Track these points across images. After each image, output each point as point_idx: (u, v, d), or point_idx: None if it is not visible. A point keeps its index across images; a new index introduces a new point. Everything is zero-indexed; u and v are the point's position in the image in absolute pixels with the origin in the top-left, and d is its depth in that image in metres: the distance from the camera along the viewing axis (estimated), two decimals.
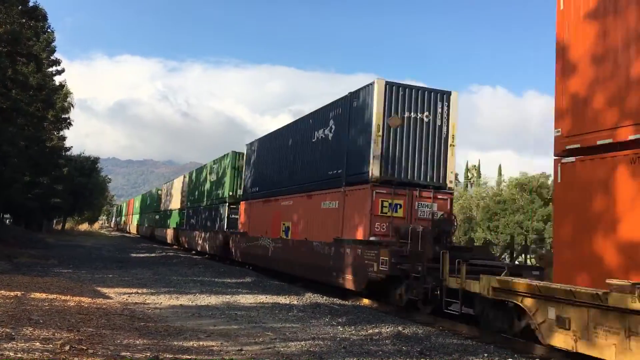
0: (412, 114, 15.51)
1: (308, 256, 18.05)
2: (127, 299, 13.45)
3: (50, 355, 6.90)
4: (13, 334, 7.99)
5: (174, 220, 45.43)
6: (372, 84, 15.60)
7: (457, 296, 11.47)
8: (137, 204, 76.88)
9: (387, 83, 15.37)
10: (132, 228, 79.22)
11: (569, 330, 8.38)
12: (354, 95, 16.67)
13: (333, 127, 17.86)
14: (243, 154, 28.67)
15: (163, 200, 53.29)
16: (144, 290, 15.37)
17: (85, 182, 57.46)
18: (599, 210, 8.37)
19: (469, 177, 70.95)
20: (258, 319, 11.58)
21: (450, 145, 15.79)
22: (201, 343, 8.73)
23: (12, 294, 12.17)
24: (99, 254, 31.52)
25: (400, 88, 15.53)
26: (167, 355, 7.55)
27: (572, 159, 8.97)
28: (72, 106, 40.56)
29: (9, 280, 14.66)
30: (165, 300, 13.74)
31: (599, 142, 8.47)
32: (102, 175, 79.15)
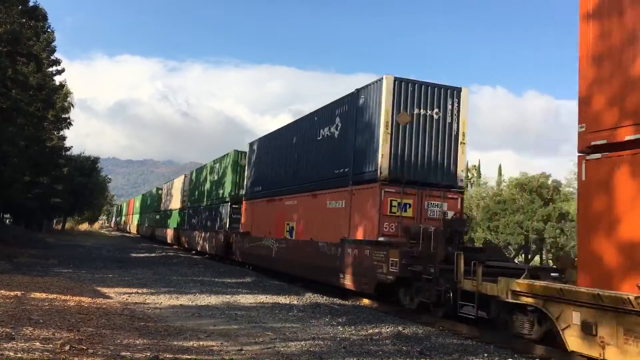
0: (421, 110, 15.14)
1: (313, 257, 17.68)
2: (127, 299, 13.45)
3: (50, 355, 6.90)
4: (13, 333, 7.99)
5: (174, 220, 45.32)
6: (380, 80, 15.20)
7: (470, 299, 11.08)
8: (138, 204, 76.88)
9: (395, 79, 14.99)
10: (132, 228, 79.22)
11: (595, 337, 7.99)
12: (361, 91, 16.29)
13: (339, 124, 17.48)
14: (245, 152, 28.27)
15: (163, 200, 53.24)
16: (144, 290, 15.36)
17: (85, 182, 57.45)
18: (627, 210, 7.92)
19: (469, 177, 70.93)
20: (258, 318, 11.58)
21: (461, 142, 15.40)
22: (201, 343, 8.73)
23: (12, 293, 12.18)
24: (99, 253, 31.52)
25: (410, 84, 15.14)
26: (167, 355, 7.55)
27: (597, 155, 8.44)
28: (72, 106, 40.56)
29: (9, 280, 14.66)
30: (165, 300, 13.74)
31: (627, 138, 7.96)
32: (102, 175, 79.14)
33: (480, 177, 68.98)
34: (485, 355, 9.11)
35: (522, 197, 54.49)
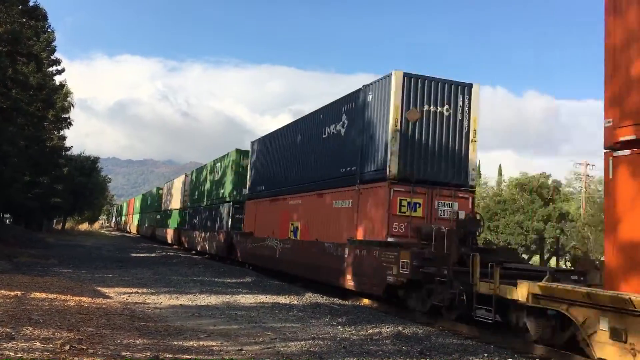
0: (431, 107, 14.68)
1: (319, 258, 17.26)
2: (127, 299, 13.45)
3: (51, 355, 6.89)
4: (13, 333, 7.99)
5: (175, 220, 45.23)
6: (389, 76, 14.75)
7: (485, 302, 10.68)
8: (138, 204, 76.89)
9: (405, 75, 14.54)
10: (133, 228, 79.25)
11: (625, 344, 7.61)
12: (369, 88, 15.85)
13: (346, 122, 17.01)
14: (247, 151, 27.87)
15: (164, 200, 53.15)
16: (144, 290, 15.36)
17: (85, 181, 57.46)
18: None
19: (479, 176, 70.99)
20: (258, 318, 11.58)
21: (472, 140, 14.91)
22: (201, 343, 8.73)
23: (12, 293, 12.18)
24: (99, 253, 31.53)
25: (419, 80, 14.69)
26: (167, 355, 7.55)
27: (626, 151, 8.00)
28: (72, 106, 40.57)
29: (9, 280, 14.66)
30: (165, 300, 13.74)
31: None
32: (102, 175, 79.16)
33: (480, 177, 69.03)
34: (485, 355, 9.11)
35: (522, 197, 54.49)
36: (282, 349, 8.58)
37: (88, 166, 59.36)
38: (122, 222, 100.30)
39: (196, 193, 38.40)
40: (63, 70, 34.71)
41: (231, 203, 28.50)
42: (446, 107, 14.82)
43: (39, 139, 33.21)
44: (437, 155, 14.69)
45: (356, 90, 16.66)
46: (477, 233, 13.66)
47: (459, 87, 15.02)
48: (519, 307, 10.10)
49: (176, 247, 43.90)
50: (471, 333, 11.29)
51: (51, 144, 38.30)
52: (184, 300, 13.82)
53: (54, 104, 33.23)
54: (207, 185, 34.80)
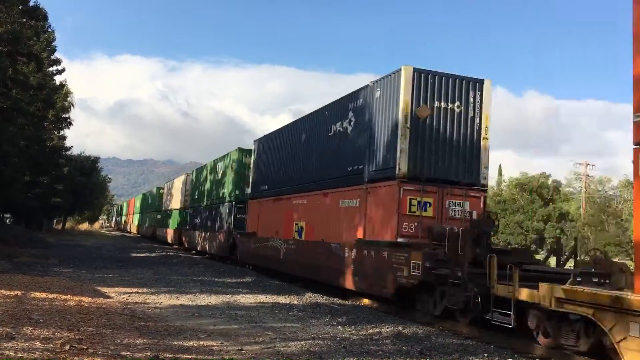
0: (442, 103, 14.21)
1: (325, 259, 16.86)
2: (127, 299, 13.46)
3: (51, 355, 6.90)
4: (13, 333, 8.00)
5: (176, 220, 45.02)
6: (398, 71, 14.28)
7: (501, 305, 10.30)
8: (138, 204, 76.86)
9: (415, 70, 14.10)
10: (133, 228, 79.24)
11: None
12: (377, 84, 15.39)
13: (353, 119, 16.52)
14: (250, 150, 27.29)
15: (165, 200, 53.00)
16: (144, 290, 15.37)
17: (85, 181, 57.48)
18: None
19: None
20: (258, 318, 11.59)
21: (484, 138, 14.47)
22: (201, 342, 8.74)
23: (12, 293, 12.19)
24: (99, 253, 31.54)
25: (429, 75, 14.25)
26: (167, 355, 7.55)
27: None
28: (73, 106, 40.59)
29: (9, 280, 14.67)
30: (165, 299, 13.74)
31: None
32: (102, 174, 79.18)
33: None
34: (485, 355, 9.11)
35: (522, 197, 54.51)
36: (282, 349, 8.58)
37: (88, 166, 59.39)
38: (122, 222, 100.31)
39: (197, 193, 38.11)
40: (63, 70, 34.74)
41: (233, 203, 28.02)
42: (457, 103, 14.36)
43: (39, 139, 33.22)
44: (448, 153, 14.27)
45: (363, 86, 16.25)
46: (492, 233, 13.25)
47: (470, 82, 14.59)
48: (540, 311, 9.69)
49: (176, 247, 43.89)
50: (471, 333, 11.27)
51: (51, 143, 38.31)
52: (184, 300, 13.83)
53: (54, 104, 33.24)
54: (209, 185, 34.39)
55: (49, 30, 31.41)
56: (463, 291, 11.19)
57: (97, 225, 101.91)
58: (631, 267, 8.81)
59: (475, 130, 14.51)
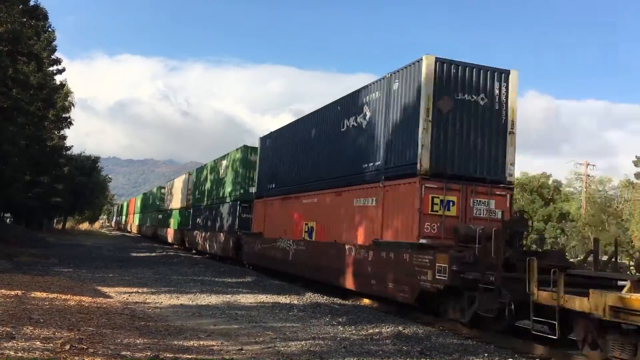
0: (465, 96, 13.35)
1: (338, 261, 16.05)
2: (127, 298, 13.45)
3: (51, 355, 6.90)
4: (13, 333, 8.00)
5: (177, 220, 44.60)
6: (419, 61, 13.41)
7: (538, 312, 9.55)
8: (139, 203, 76.83)
9: (437, 60, 13.20)
10: (133, 227, 79.23)
11: None
12: (395, 75, 14.52)
13: (368, 113, 15.67)
14: (256, 148, 26.49)
15: (166, 200, 52.73)
16: (145, 290, 15.37)
17: (85, 181, 57.51)
18: None
19: None
20: (258, 318, 11.59)
21: (510, 132, 13.59)
22: (201, 342, 8.74)
23: (12, 293, 12.18)
24: (100, 253, 31.55)
25: (452, 66, 13.38)
26: (168, 355, 7.55)
27: None
28: (73, 105, 40.66)
29: (10, 279, 14.67)
30: (165, 299, 13.74)
31: None
32: (102, 174, 79.23)
33: None
34: (486, 355, 9.11)
35: (523, 197, 54.48)
36: (282, 349, 8.58)
37: (88, 166, 59.43)
38: (123, 221, 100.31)
39: (200, 192, 37.50)
40: (63, 69, 34.78)
41: (238, 202, 27.22)
42: (481, 95, 13.51)
43: (39, 139, 33.25)
44: (472, 149, 13.40)
45: (380, 78, 15.46)
46: (525, 234, 12.51)
47: (495, 73, 13.71)
48: (589, 321, 8.82)
49: (177, 247, 43.86)
50: (471, 333, 11.23)
51: (52, 143, 38.35)
52: (185, 299, 13.83)
53: (54, 104, 33.27)
54: (213, 184, 33.58)
55: (49, 29, 31.44)
56: (496, 297, 10.32)
57: (97, 225, 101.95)
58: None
59: (500, 124, 13.66)
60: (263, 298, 14.76)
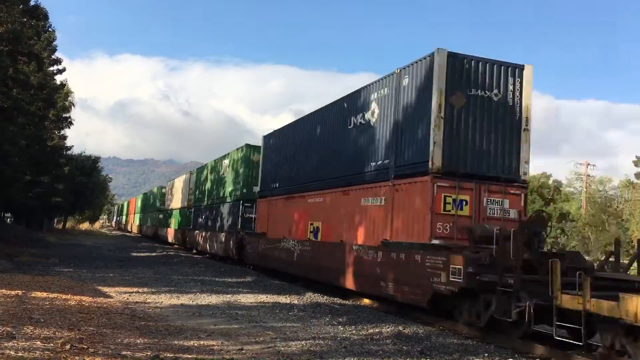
0: (479, 91, 12.96)
1: (345, 262, 15.77)
2: (127, 298, 13.46)
3: (51, 354, 6.90)
4: (14, 332, 8.01)
5: (178, 220, 44.48)
6: (431, 56, 12.97)
7: (561, 317, 9.13)
8: (139, 203, 76.79)
9: (449, 54, 12.79)
10: (134, 227, 79.24)
11: None
12: (405, 71, 14.11)
13: (376, 110, 15.25)
14: (259, 147, 25.95)
15: (167, 199, 52.60)
16: (145, 290, 15.38)
17: (86, 181, 57.52)
18: None
19: None
20: (259, 318, 11.59)
21: (524, 129, 13.20)
22: (202, 342, 8.74)
23: (13, 292, 12.19)
24: (100, 253, 31.55)
25: (465, 60, 12.97)
26: (168, 355, 7.56)
27: None
28: (73, 105, 40.66)
29: (10, 279, 14.68)
30: (166, 299, 13.75)
31: None
32: (102, 174, 79.23)
33: None
34: (486, 355, 9.11)
35: None
36: (282, 349, 8.59)
37: (89, 166, 59.44)
38: (123, 221, 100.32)
39: (201, 192, 37.32)
40: (64, 69, 34.80)
41: (241, 202, 26.91)
42: (495, 91, 13.12)
43: (39, 139, 33.26)
44: (486, 146, 13.01)
45: (389, 74, 15.03)
46: (545, 235, 12.09)
47: (509, 68, 13.32)
48: (617, 327, 8.40)
49: (177, 246, 43.84)
50: (471, 333, 11.23)
51: (52, 143, 38.36)
52: (185, 299, 13.83)
53: (54, 104, 33.28)
54: (215, 183, 33.31)
55: (50, 29, 31.44)
56: (515, 301, 9.96)
57: (97, 224, 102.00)
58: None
59: (515, 120, 13.29)
60: (263, 298, 14.77)
